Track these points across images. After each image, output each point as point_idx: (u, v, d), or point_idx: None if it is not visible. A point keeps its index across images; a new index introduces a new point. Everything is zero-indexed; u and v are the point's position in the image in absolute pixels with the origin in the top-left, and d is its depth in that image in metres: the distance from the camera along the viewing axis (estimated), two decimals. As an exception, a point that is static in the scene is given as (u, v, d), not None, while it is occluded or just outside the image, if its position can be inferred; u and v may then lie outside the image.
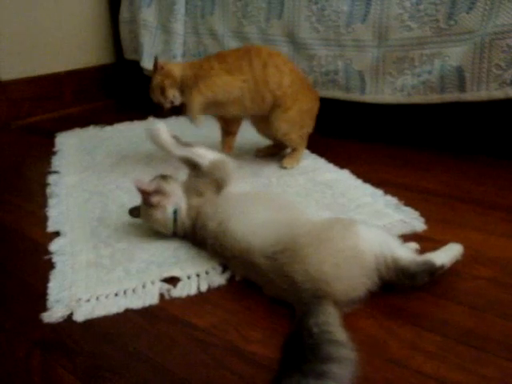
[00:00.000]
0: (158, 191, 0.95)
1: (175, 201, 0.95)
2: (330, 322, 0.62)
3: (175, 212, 0.94)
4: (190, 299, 0.80)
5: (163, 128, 1.03)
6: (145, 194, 0.95)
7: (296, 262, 0.73)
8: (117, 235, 1.00)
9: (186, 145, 1.03)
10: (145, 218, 0.98)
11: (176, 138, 1.04)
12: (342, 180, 1.23)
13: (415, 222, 1.00)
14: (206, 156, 1.01)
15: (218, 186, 0.97)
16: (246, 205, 0.89)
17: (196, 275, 0.85)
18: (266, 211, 0.86)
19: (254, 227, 0.81)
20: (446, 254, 0.79)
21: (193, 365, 0.65)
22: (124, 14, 2.09)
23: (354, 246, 0.74)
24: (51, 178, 1.34)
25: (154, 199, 0.94)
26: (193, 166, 1.01)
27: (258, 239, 0.79)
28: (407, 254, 0.76)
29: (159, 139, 1.03)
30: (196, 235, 0.92)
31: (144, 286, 0.82)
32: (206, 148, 1.03)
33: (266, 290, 0.78)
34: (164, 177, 0.99)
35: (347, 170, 1.29)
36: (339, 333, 0.60)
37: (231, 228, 0.84)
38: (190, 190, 0.97)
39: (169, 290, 0.81)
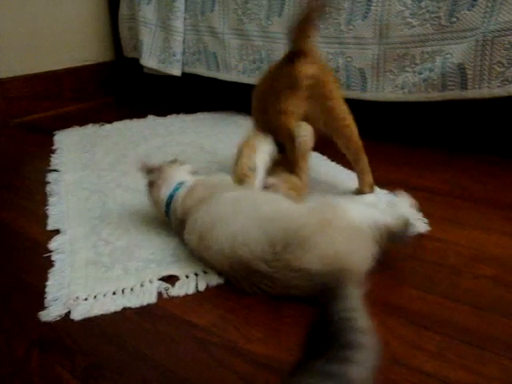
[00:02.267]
0: (158, 170, 0.97)
1: (172, 184, 0.95)
2: (352, 307, 0.62)
3: (171, 196, 0.93)
4: (189, 298, 0.79)
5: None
6: (145, 171, 0.98)
7: (306, 253, 0.73)
8: (117, 233, 1.00)
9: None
10: (148, 198, 1.00)
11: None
12: (345, 179, 1.22)
13: (419, 223, 0.98)
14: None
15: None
16: (225, 213, 0.83)
17: (194, 274, 0.84)
18: (247, 215, 0.81)
19: (242, 235, 0.78)
20: (405, 207, 0.88)
21: (192, 363, 0.65)
22: (123, 11, 2.09)
23: (351, 222, 0.78)
24: (51, 176, 1.33)
25: (151, 176, 0.96)
26: None
27: (251, 246, 0.76)
28: (390, 218, 0.82)
29: None
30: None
31: (142, 285, 0.82)
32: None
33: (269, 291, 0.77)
34: (173, 161, 1.01)
35: (348, 169, 1.28)
36: (361, 319, 0.60)
37: (214, 244, 0.80)
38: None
39: (167, 289, 0.81)
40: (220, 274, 0.84)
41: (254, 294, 0.78)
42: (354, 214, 0.80)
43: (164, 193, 0.94)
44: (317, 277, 0.72)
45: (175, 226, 0.94)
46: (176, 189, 0.94)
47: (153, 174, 0.97)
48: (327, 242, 0.74)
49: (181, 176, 0.97)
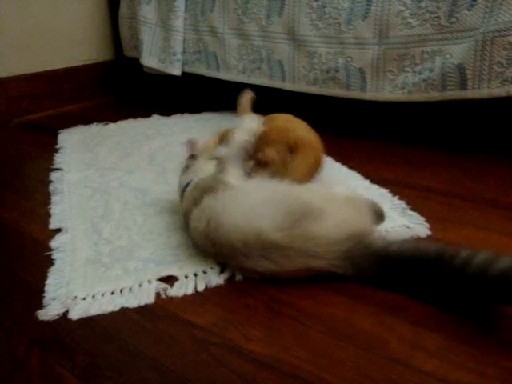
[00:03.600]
0: (194, 159, 1.05)
1: (192, 176, 0.99)
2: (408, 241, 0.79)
3: (187, 184, 0.97)
4: (189, 298, 0.79)
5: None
6: (188, 153, 1.06)
7: (325, 220, 0.78)
8: (118, 232, 1.00)
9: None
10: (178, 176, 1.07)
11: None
12: (351, 180, 1.22)
13: (420, 227, 0.97)
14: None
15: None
16: (236, 196, 0.86)
17: (194, 275, 0.84)
18: (259, 193, 0.86)
19: (256, 209, 0.81)
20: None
21: (192, 363, 0.65)
22: (124, 10, 2.09)
23: (345, 196, 0.90)
24: (54, 175, 1.33)
25: (188, 161, 1.05)
26: None
27: (266, 218, 0.79)
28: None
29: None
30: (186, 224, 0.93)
31: (141, 285, 0.82)
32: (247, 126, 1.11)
33: (281, 270, 0.78)
34: (219, 159, 1.04)
35: (345, 167, 1.28)
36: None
37: (225, 222, 0.81)
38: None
39: (165, 290, 0.81)
40: (220, 272, 0.84)
41: (255, 290, 0.78)
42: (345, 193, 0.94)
43: (183, 180, 1.01)
44: (340, 241, 0.77)
45: (182, 211, 0.98)
46: (188, 183, 0.98)
47: (191, 160, 1.05)
48: (337, 212, 0.81)
49: (201, 172, 1.02)
